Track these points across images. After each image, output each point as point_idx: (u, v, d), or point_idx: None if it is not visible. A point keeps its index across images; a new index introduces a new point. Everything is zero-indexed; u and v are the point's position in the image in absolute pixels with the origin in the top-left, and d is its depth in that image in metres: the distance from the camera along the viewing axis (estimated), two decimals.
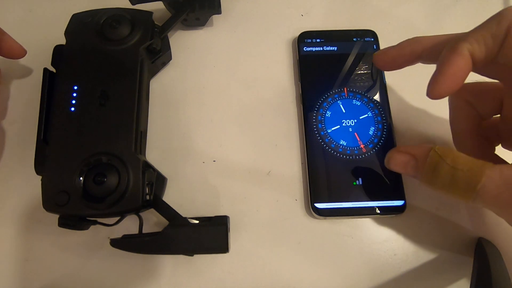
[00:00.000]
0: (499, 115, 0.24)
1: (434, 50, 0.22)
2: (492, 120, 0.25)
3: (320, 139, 0.28)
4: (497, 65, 0.20)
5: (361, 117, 0.29)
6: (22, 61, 0.31)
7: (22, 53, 0.29)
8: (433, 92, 0.20)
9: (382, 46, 0.31)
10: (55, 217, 0.23)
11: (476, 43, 0.19)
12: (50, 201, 0.23)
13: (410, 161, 0.22)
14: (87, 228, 0.25)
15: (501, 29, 0.19)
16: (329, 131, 0.29)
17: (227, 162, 0.29)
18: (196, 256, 0.25)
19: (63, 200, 0.23)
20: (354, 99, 0.30)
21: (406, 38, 0.30)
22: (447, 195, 0.20)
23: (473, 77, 0.23)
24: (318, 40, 0.32)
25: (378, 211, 0.27)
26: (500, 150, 0.25)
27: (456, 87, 0.20)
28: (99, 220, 0.25)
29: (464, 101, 0.24)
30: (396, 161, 0.22)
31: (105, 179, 0.23)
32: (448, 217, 0.27)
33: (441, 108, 0.30)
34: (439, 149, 0.20)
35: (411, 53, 0.23)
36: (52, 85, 0.26)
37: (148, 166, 0.25)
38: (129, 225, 0.26)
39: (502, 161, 0.24)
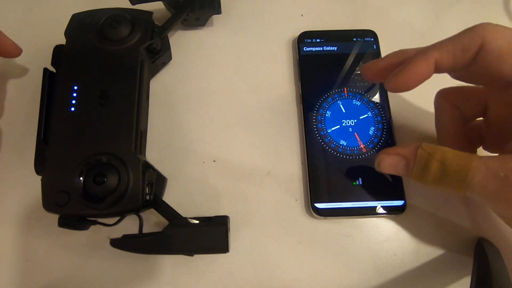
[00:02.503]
0: (482, 118, 0.25)
1: None
2: (475, 123, 0.26)
3: (320, 139, 0.28)
4: (476, 73, 0.22)
5: (361, 117, 0.29)
6: (22, 61, 0.31)
7: (18, 51, 0.29)
8: (389, 84, 0.22)
9: (382, 46, 0.31)
10: (55, 217, 0.23)
11: (445, 53, 0.21)
12: (50, 201, 0.23)
13: (400, 162, 0.22)
14: (87, 228, 0.25)
15: (473, 44, 0.20)
16: (329, 131, 0.29)
17: (227, 162, 0.29)
18: (196, 256, 0.25)
19: (63, 200, 0.23)
20: (354, 99, 0.30)
21: (406, 38, 0.31)
22: (439, 189, 0.21)
23: (458, 83, 0.24)
24: (318, 40, 0.32)
25: (378, 211, 0.27)
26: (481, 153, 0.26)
27: (411, 86, 0.22)
28: (99, 220, 0.25)
29: (450, 104, 0.26)
30: (386, 164, 0.23)
31: (105, 179, 0.23)
32: (448, 217, 0.27)
33: None
34: (426, 147, 0.21)
35: (398, 64, 0.24)
36: (52, 85, 0.26)
37: (148, 166, 0.25)
38: (129, 225, 0.26)
39: None
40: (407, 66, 0.21)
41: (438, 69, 0.21)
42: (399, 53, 0.24)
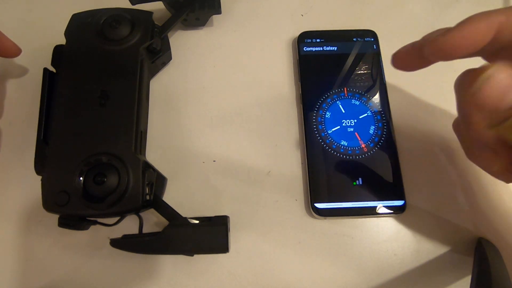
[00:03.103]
0: None
1: None
2: None
3: (320, 139, 0.28)
4: None
5: (361, 117, 0.29)
6: (22, 61, 0.31)
7: (17, 51, 0.29)
8: (433, 45, 0.18)
9: (382, 46, 0.31)
10: (55, 217, 0.23)
11: None
12: (50, 201, 0.23)
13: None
14: (87, 228, 0.25)
15: None
16: (329, 131, 0.29)
17: (227, 162, 0.29)
18: (196, 256, 0.25)
19: (63, 200, 0.23)
20: (353, 99, 0.30)
21: (407, 39, 0.30)
22: None
23: None
24: (318, 40, 0.32)
25: (378, 211, 0.27)
26: None
27: (459, 52, 0.18)
28: (99, 220, 0.25)
29: None
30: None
31: (105, 179, 0.23)
32: (448, 217, 0.27)
33: (441, 107, 0.30)
34: None
35: None
36: (52, 85, 0.26)
37: (148, 166, 0.25)
38: (129, 225, 0.26)
39: None
40: (462, 24, 0.17)
41: (497, 38, 0.17)
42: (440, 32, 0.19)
